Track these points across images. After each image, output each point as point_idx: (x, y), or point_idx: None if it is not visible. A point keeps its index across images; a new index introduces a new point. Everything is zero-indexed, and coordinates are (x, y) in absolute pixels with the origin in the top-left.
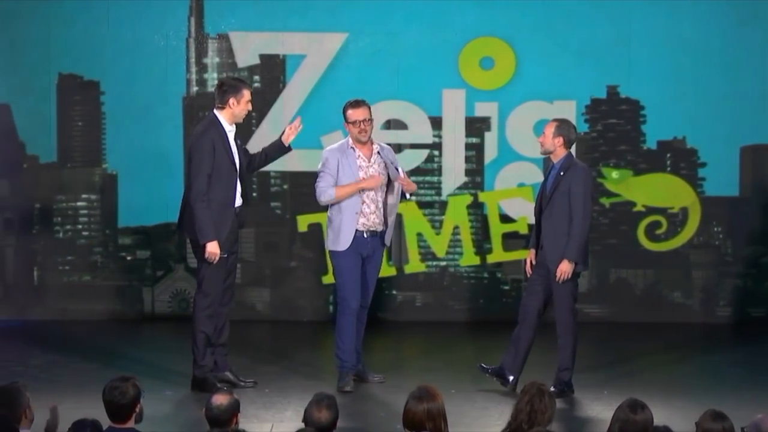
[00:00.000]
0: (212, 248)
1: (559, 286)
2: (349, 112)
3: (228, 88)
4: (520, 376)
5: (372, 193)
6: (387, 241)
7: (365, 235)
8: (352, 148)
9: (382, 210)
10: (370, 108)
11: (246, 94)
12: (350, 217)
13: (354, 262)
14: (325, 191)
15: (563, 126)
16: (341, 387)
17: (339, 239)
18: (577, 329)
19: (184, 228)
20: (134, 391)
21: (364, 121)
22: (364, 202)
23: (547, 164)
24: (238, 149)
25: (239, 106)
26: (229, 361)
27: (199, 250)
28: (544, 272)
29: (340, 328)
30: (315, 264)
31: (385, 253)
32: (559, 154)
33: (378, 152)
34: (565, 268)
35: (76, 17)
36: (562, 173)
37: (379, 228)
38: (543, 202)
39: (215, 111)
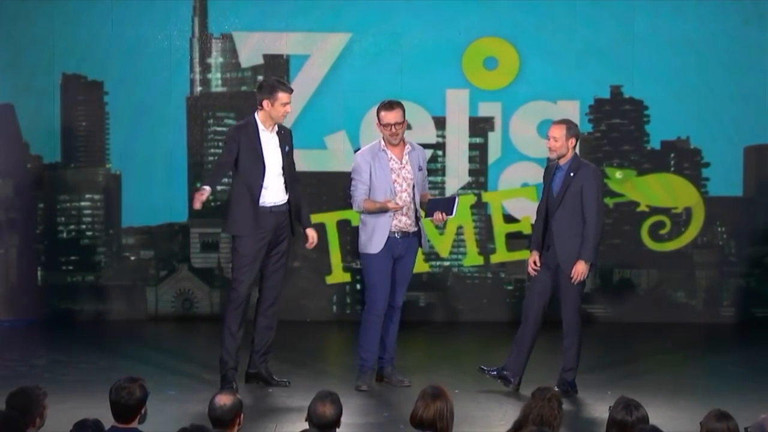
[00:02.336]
0: (198, 194)
1: (567, 287)
2: (382, 114)
3: (264, 90)
4: (523, 375)
5: (404, 194)
6: (425, 247)
7: (397, 236)
8: (383, 150)
9: (413, 211)
10: (403, 110)
11: (281, 96)
12: (385, 220)
13: (385, 266)
14: (356, 202)
15: (573, 127)
16: (358, 386)
17: (372, 242)
18: (583, 330)
19: (226, 227)
20: (141, 392)
21: (396, 124)
22: (396, 204)
23: (548, 165)
24: (282, 152)
25: (273, 108)
26: (265, 363)
27: (232, 246)
28: (549, 273)
29: (365, 327)
30: (318, 264)
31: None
32: (569, 155)
33: (408, 153)
34: (581, 269)
35: (79, 17)
36: (572, 174)
37: (411, 229)
38: (550, 203)
39: (255, 112)
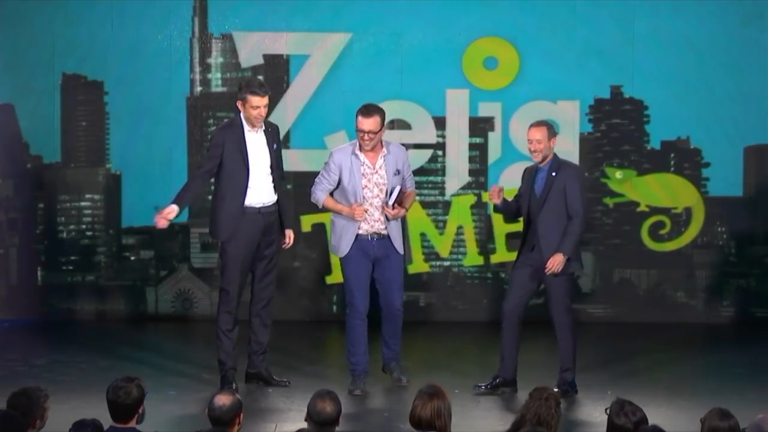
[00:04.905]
0: (164, 211)
1: (554, 288)
2: (359, 119)
3: (239, 92)
4: (522, 375)
5: (375, 199)
6: (399, 248)
7: (370, 238)
8: (356, 154)
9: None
10: (382, 117)
11: (251, 99)
12: (351, 223)
13: (358, 267)
14: (315, 193)
15: (551, 126)
16: (351, 390)
17: (340, 245)
18: (576, 329)
19: (211, 231)
20: (138, 391)
21: (369, 132)
22: (366, 210)
23: (528, 166)
24: (270, 151)
25: (246, 110)
26: (261, 361)
27: (221, 248)
28: (531, 273)
29: (349, 331)
30: (318, 264)
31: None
32: (550, 156)
33: (384, 156)
34: (558, 260)
35: (80, 17)
36: (554, 174)
37: (385, 232)
38: (533, 204)
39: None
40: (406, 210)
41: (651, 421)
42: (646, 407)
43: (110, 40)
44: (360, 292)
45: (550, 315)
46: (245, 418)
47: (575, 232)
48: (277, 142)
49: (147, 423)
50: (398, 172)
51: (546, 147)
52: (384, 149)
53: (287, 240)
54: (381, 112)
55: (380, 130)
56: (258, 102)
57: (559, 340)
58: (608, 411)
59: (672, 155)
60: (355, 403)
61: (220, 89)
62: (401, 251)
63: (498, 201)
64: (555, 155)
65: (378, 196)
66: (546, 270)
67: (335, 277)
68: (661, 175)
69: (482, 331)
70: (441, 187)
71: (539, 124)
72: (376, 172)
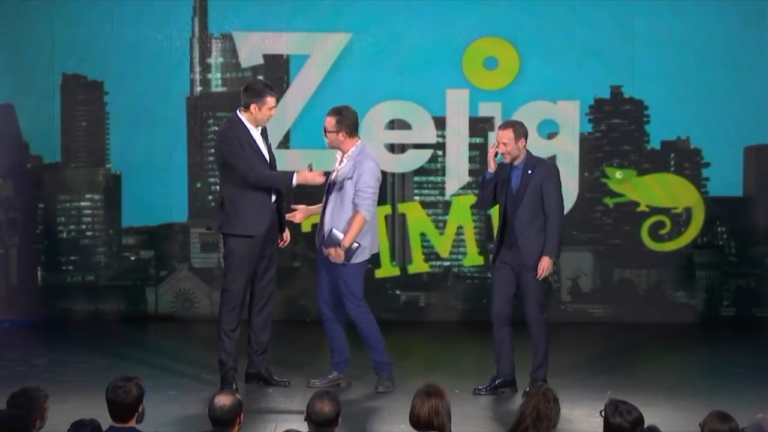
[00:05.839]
0: (300, 177)
1: (531, 286)
2: None
3: (252, 94)
4: (519, 374)
5: (332, 194)
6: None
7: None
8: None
9: (324, 217)
10: (336, 119)
11: (269, 101)
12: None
13: (318, 263)
14: None
15: (520, 128)
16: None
17: None
18: (548, 326)
19: (219, 227)
20: (137, 390)
21: (324, 129)
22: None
23: (502, 167)
24: (268, 148)
25: (261, 112)
26: (263, 361)
27: (227, 247)
28: (513, 271)
29: None
30: None
31: (387, 254)
32: (522, 155)
33: (347, 159)
34: (545, 264)
35: (80, 17)
36: (530, 171)
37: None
38: (509, 202)
39: (238, 111)
40: (345, 246)
41: (651, 421)
42: (646, 407)
43: (110, 40)
44: (317, 286)
45: (525, 314)
46: (245, 418)
47: (555, 233)
48: (267, 140)
49: (147, 423)
50: (348, 177)
51: (514, 148)
52: (349, 154)
53: (285, 239)
54: (335, 114)
55: (333, 132)
56: (274, 102)
57: (534, 339)
58: (603, 412)
59: (672, 155)
60: (354, 403)
61: (220, 89)
62: (343, 261)
63: (494, 169)
64: (528, 153)
65: (333, 192)
66: (538, 276)
67: None
68: (661, 175)
69: (482, 331)
70: (441, 187)
71: (506, 125)
72: (337, 169)
